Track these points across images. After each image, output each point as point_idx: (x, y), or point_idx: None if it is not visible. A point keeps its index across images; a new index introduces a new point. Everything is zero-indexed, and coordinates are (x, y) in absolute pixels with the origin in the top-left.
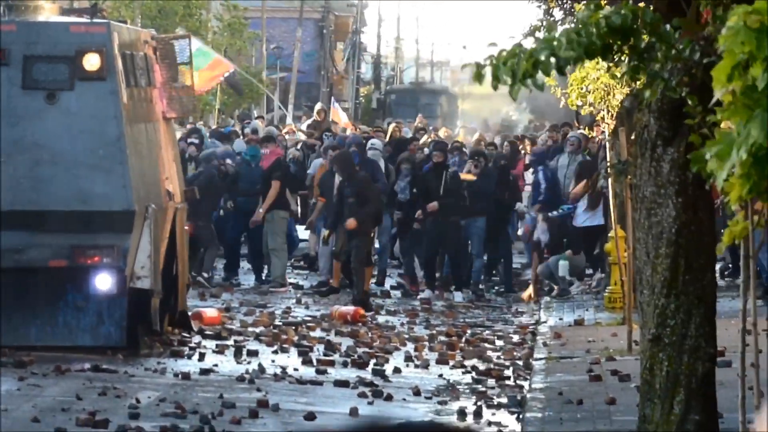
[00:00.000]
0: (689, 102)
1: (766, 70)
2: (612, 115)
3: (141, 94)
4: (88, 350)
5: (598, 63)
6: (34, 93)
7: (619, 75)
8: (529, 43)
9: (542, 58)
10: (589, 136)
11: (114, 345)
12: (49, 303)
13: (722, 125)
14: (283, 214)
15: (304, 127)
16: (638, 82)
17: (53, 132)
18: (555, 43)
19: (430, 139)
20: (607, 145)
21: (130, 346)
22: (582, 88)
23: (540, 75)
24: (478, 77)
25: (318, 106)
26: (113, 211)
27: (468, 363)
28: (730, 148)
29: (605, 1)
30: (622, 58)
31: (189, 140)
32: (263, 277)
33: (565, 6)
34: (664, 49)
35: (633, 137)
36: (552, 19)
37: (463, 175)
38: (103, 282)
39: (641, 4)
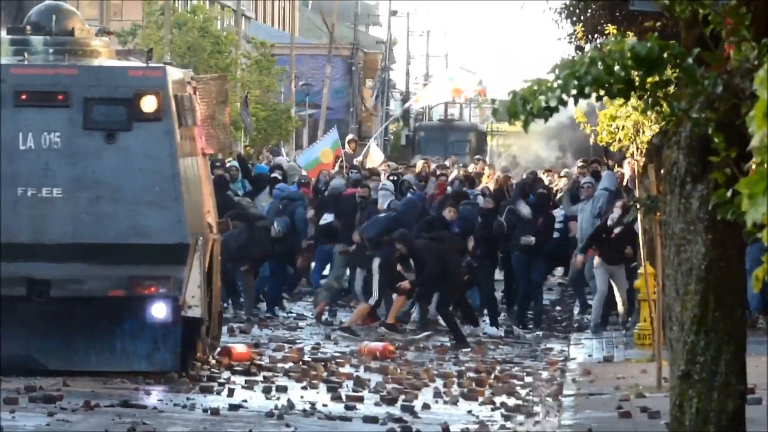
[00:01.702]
0: (715, 139)
1: None
2: (641, 152)
3: (188, 132)
4: (139, 374)
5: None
6: (94, 133)
7: (642, 110)
8: (550, 78)
9: (560, 82)
10: (618, 173)
11: (168, 370)
12: (108, 330)
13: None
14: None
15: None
16: (667, 119)
17: (112, 170)
18: (576, 67)
19: (458, 174)
20: (637, 182)
21: (182, 372)
22: (611, 126)
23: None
24: (495, 113)
25: (349, 136)
26: (169, 244)
27: (497, 399)
28: (764, 188)
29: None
30: (646, 95)
31: (273, 174)
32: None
33: (596, 43)
34: (688, 83)
35: (662, 174)
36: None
37: None
38: (159, 311)
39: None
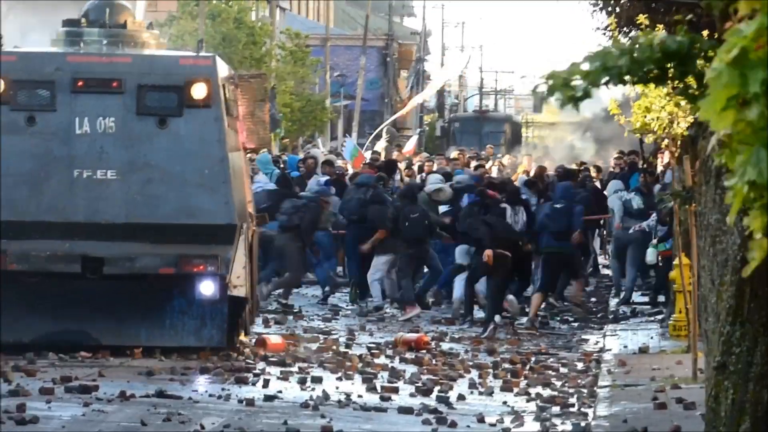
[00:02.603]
0: None
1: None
2: (676, 143)
3: (232, 123)
4: (193, 350)
5: (659, 89)
6: (147, 119)
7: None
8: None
9: (590, 68)
10: (654, 164)
11: (215, 346)
12: (158, 307)
13: None
14: None
15: (367, 155)
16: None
17: (164, 153)
18: (608, 54)
19: (494, 166)
20: (672, 173)
21: (228, 348)
22: (645, 117)
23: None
24: (536, 94)
25: (384, 133)
26: (217, 224)
27: (532, 390)
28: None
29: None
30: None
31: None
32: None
33: (629, 36)
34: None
35: (697, 165)
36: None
37: None
38: (207, 288)
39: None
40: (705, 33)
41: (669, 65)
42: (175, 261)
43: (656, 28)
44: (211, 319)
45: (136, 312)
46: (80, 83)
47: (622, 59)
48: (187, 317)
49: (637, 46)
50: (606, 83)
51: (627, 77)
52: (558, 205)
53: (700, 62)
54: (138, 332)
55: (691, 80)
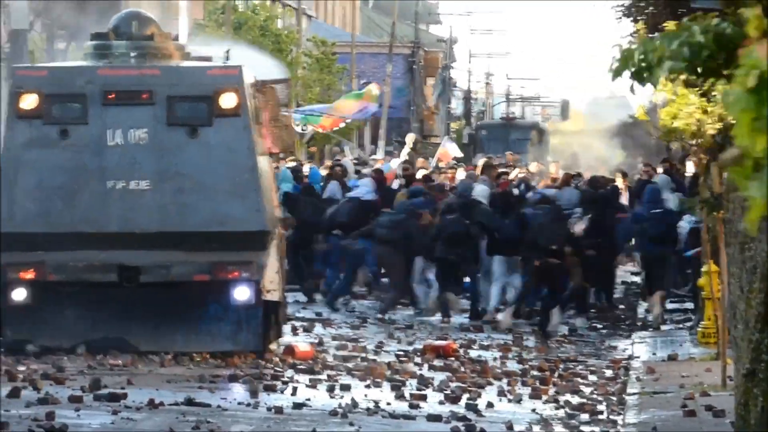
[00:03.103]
0: None
1: None
2: (704, 150)
3: (259, 130)
4: (226, 355)
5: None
6: (177, 129)
7: (709, 109)
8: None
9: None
10: (681, 170)
11: (251, 350)
12: (194, 313)
13: None
14: None
15: (397, 162)
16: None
17: (195, 163)
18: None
19: (521, 174)
20: (700, 180)
21: (263, 351)
22: (673, 123)
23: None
24: (617, 74)
25: (410, 137)
26: (250, 231)
27: (561, 398)
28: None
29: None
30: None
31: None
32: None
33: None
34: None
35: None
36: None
37: None
38: (242, 294)
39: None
40: None
41: (720, 58)
42: (210, 268)
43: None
44: (246, 323)
45: (172, 319)
46: (111, 96)
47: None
48: (222, 323)
49: (686, 31)
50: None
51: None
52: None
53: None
54: (174, 338)
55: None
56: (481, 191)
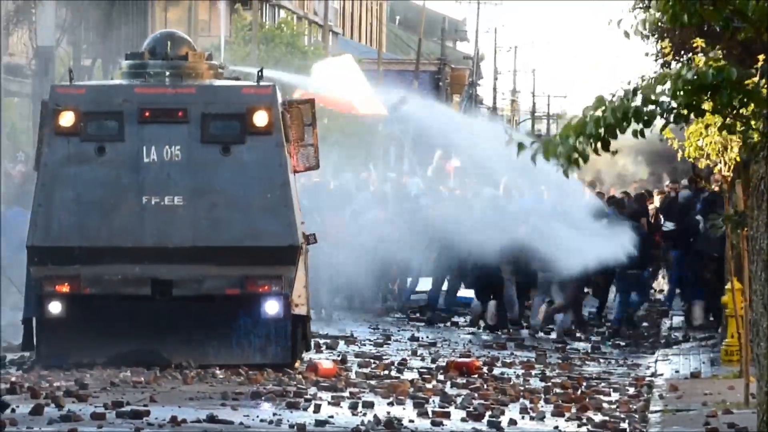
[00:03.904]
0: None
1: None
2: (729, 168)
3: (288, 149)
4: (257, 367)
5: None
6: (211, 146)
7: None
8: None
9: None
10: (707, 189)
11: (281, 363)
12: (225, 326)
13: None
14: None
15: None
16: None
17: (228, 179)
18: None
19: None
20: (725, 197)
21: (292, 364)
22: (699, 141)
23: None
24: (533, 158)
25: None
26: (281, 246)
27: (584, 415)
28: None
29: (721, 55)
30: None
31: None
32: None
33: (682, 60)
34: (753, 104)
35: (750, 189)
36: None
37: None
38: (272, 307)
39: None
40: (761, 57)
41: (699, 100)
42: (241, 282)
43: (715, 51)
44: (276, 336)
45: (204, 331)
46: (147, 114)
47: (630, 103)
48: (253, 336)
49: (655, 84)
50: (625, 127)
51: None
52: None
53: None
54: (206, 351)
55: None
56: None
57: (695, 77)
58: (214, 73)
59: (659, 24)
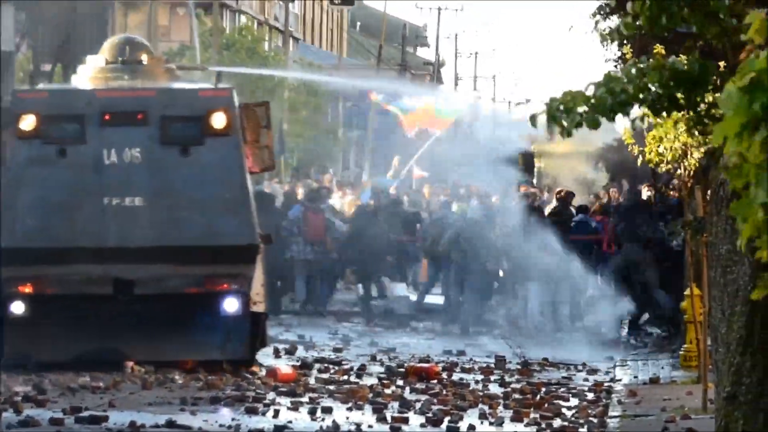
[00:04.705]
0: None
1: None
2: (689, 174)
3: (245, 150)
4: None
5: (676, 124)
6: (171, 148)
7: (687, 129)
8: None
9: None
10: (666, 194)
11: (239, 359)
12: (185, 324)
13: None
14: None
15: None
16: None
17: (187, 180)
18: (612, 84)
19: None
20: (684, 203)
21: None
22: (659, 147)
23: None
24: (533, 121)
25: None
26: (240, 245)
27: (543, 421)
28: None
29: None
30: (690, 114)
31: None
32: None
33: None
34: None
35: (709, 195)
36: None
37: None
38: (231, 305)
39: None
40: (722, 64)
41: (679, 93)
42: (201, 281)
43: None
44: (235, 334)
45: (164, 329)
46: (107, 116)
47: (630, 85)
48: (212, 333)
49: (644, 70)
50: (612, 111)
51: (636, 104)
52: None
53: (709, 96)
54: (166, 348)
55: (703, 109)
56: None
57: (684, 68)
58: (173, 76)
59: (619, 31)
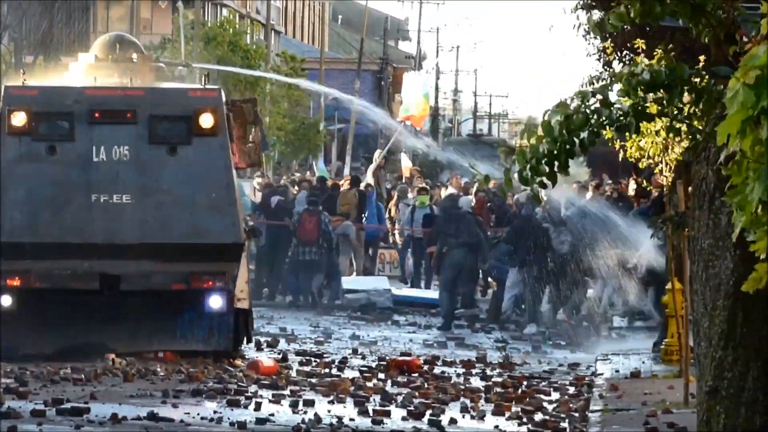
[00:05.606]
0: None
1: None
2: (670, 168)
3: (231, 148)
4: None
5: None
6: (159, 147)
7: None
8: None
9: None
10: (647, 188)
11: (222, 351)
12: (170, 320)
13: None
14: None
15: (370, 175)
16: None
17: (174, 179)
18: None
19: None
20: (666, 198)
21: (234, 352)
22: (640, 141)
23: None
24: (509, 184)
25: (377, 153)
26: (225, 243)
27: (524, 414)
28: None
29: (666, 55)
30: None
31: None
32: None
33: (624, 60)
34: (706, 102)
35: (690, 189)
36: (611, 71)
37: None
38: (216, 302)
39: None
40: (702, 58)
41: (650, 103)
42: (187, 278)
43: (654, 53)
44: (219, 329)
45: (149, 325)
46: (97, 114)
47: (589, 106)
48: (196, 329)
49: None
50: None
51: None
52: None
53: (686, 96)
54: (151, 342)
55: (686, 109)
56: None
57: (651, 75)
58: (162, 75)
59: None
